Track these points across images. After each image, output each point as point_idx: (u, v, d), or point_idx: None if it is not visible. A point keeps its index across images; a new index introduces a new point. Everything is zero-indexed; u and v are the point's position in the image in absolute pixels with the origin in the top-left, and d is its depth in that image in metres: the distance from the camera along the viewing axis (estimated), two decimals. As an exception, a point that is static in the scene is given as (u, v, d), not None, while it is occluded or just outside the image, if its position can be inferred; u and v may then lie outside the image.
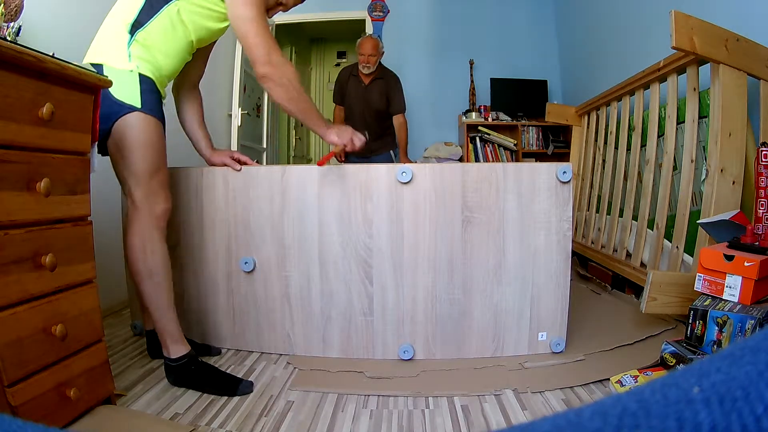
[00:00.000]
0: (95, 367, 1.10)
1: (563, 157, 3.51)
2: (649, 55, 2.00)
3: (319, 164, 1.48)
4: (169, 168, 1.58)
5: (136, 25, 1.23)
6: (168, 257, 1.32)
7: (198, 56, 1.54)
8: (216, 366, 1.38)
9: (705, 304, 1.25)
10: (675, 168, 1.87)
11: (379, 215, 1.47)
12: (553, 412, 0.69)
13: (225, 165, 1.54)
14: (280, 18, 3.92)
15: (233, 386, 1.28)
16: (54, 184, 0.97)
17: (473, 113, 3.76)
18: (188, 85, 1.55)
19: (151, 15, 1.24)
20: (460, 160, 3.67)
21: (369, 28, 3.97)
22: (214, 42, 1.57)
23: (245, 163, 1.56)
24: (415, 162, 3.38)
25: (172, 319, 1.30)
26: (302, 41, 5.81)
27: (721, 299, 1.23)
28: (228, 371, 1.42)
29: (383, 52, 2.94)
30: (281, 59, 1.26)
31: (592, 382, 1.31)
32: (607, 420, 0.18)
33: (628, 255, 2.08)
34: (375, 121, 3.00)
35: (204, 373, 1.31)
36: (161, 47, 1.27)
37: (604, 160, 2.56)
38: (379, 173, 1.47)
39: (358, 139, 1.44)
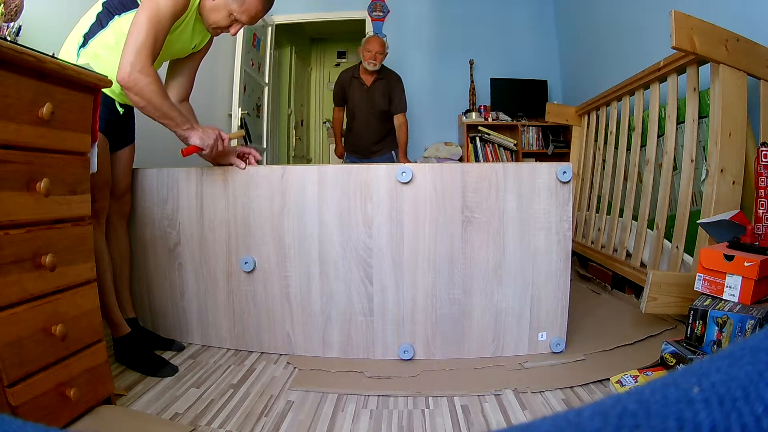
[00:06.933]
0: (95, 367, 1.10)
1: (563, 157, 3.51)
2: (649, 55, 2.00)
3: (184, 153, 1.39)
4: (168, 168, 1.60)
5: (88, 36, 1.34)
6: (103, 248, 1.42)
7: (180, 73, 1.59)
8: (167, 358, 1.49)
9: (705, 304, 1.25)
10: (675, 168, 1.87)
11: (379, 215, 1.47)
12: (553, 412, 0.69)
13: (231, 165, 1.55)
14: (280, 18, 3.93)
15: (156, 367, 1.40)
16: (54, 184, 0.97)
17: (473, 113, 3.76)
18: (175, 101, 1.57)
19: (99, 28, 1.34)
20: (460, 160, 3.67)
21: (369, 28, 3.97)
22: (198, 58, 1.59)
23: (252, 155, 1.58)
24: (415, 162, 3.38)
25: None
26: (302, 41, 5.81)
27: (721, 299, 1.23)
28: (228, 372, 1.42)
29: (388, 53, 2.95)
30: (142, 73, 1.22)
31: (592, 382, 1.31)
32: (607, 420, 0.18)
33: (628, 255, 2.08)
34: (379, 122, 3.00)
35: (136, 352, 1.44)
36: (110, 59, 1.30)
37: (604, 160, 2.56)
38: (379, 173, 1.47)
39: (222, 143, 1.42)
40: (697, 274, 1.31)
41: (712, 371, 0.19)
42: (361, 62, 2.93)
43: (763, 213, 1.30)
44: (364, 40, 2.94)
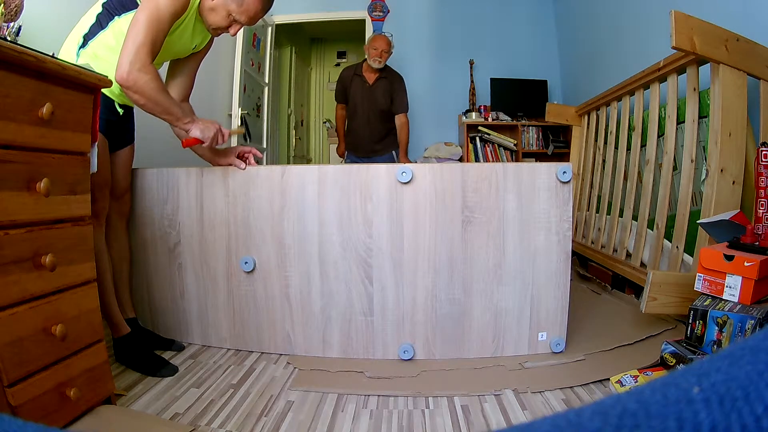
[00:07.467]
0: (95, 367, 1.10)
1: (563, 157, 3.51)
2: (649, 55, 2.00)
3: (184, 144, 1.41)
4: (168, 168, 1.60)
5: (88, 37, 1.35)
6: (103, 248, 1.43)
7: (180, 73, 1.59)
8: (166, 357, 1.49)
9: (705, 304, 1.25)
10: (675, 168, 1.87)
11: (379, 215, 1.47)
12: (553, 412, 0.69)
13: (231, 165, 1.54)
14: (280, 18, 3.93)
15: (156, 367, 1.40)
16: (54, 184, 0.97)
17: (473, 113, 3.76)
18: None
19: (99, 29, 1.35)
20: (460, 160, 3.67)
21: (369, 28, 3.98)
22: (198, 58, 1.59)
23: (252, 154, 1.58)
24: (415, 162, 3.38)
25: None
26: (302, 41, 5.81)
27: (721, 299, 1.23)
28: (228, 372, 1.42)
29: (393, 52, 2.96)
30: (141, 71, 1.22)
31: (592, 382, 1.31)
32: (607, 420, 0.18)
33: (628, 255, 2.08)
34: (379, 121, 3.00)
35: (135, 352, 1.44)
36: (110, 60, 1.30)
37: (604, 160, 2.56)
38: (379, 173, 1.47)
39: (222, 138, 1.43)
40: (697, 274, 1.31)
41: (712, 371, 0.19)
42: (365, 60, 2.94)
43: (763, 213, 1.30)
44: (371, 37, 2.98)
